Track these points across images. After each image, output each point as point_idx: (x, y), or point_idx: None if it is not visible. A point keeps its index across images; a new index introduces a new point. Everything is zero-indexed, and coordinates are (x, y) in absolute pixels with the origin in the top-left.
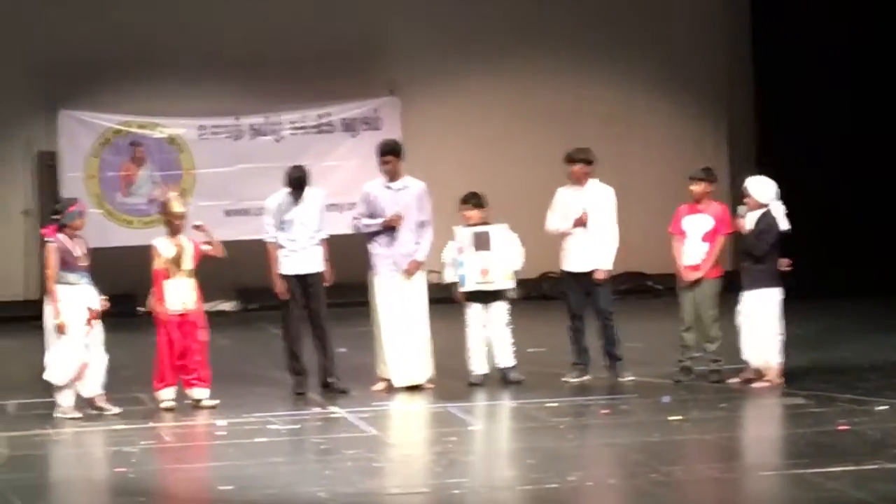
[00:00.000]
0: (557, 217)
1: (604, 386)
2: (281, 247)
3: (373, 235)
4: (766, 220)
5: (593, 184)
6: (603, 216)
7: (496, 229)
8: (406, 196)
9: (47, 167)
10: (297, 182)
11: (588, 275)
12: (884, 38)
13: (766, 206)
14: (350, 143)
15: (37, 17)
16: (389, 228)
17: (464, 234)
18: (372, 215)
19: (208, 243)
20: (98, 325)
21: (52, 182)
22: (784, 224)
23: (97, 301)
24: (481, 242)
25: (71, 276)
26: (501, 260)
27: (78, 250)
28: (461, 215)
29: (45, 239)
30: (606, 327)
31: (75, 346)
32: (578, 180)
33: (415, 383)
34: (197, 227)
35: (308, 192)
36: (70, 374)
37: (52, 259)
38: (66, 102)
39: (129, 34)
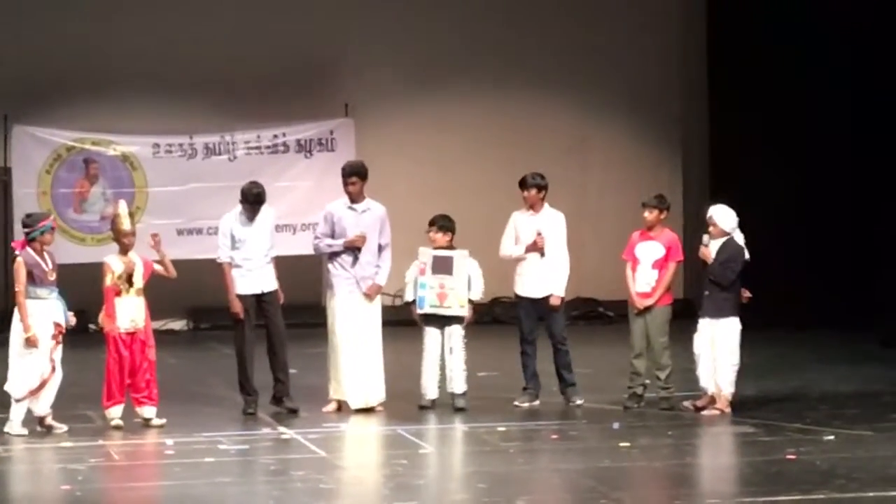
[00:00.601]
0: (511, 242)
1: (554, 411)
2: (237, 266)
3: (333, 256)
4: (731, 248)
5: (546, 209)
6: (555, 242)
7: (459, 255)
8: (369, 218)
9: (0, 183)
10: (256, 198)
11: (542, 300)
12: (841, 64)
13: (729, 234)
14: (304, 163)
15: None
16: (351, 249)
17: (426, 256)
18: (333, 235)
19: (160, 262)
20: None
21: (5, 198)
22: (746, 253)
23: (64, 316)
24: (443, 266)
25: (40, 291)
26: (460, 286)
27: (47, 265)
28: (427, 237)
29: (15, 252)
30: (560, 353)
31: (39, 361)
32: (533, 205)
33: (369, 405)
34: (153, 237)
35: (262, 210)
36: (29, 388)
37: (21, 273)
38: (20, 118)
39: (84, 51)
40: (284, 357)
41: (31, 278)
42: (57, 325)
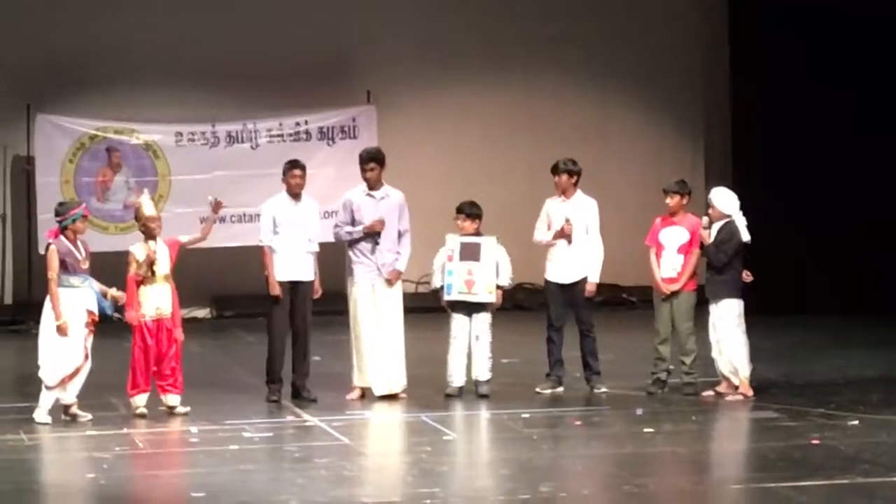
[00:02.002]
0: (544, 227)
1: (577, 397)
2: (275, 251)
3: (353, 244)
4: (728, 230)
5: (578, 195)
6: (587, 228)
7: (486, 241)
8: (387, 205)
9: (23, 172)
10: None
11: (571, 286)
12: (861, 59)
13: (729, 216)
14: (326, 151)
15: (14, 23)
16: (370, 236)
17: (454, 243)
18: (353, 223)
19: (202, 230)
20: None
21: (28, 187)
22: (745, 235)
23: (98, 304)
24: (470, 253)
25: (73, 279)
26: (487, 273)
27: (80, 253)
28: (455, 224)
29: (48, 241)
30: (587, 339)
31: (72, 349)
32: (564, 191)
33: (392, 392)
34: (217, 203)
35: (305, 199)
36: (61, 376)
37: (54, 261)
38: (43, 107)
39: (107, 40)
40: (306, 349)
41: (64, 266)
42: (90, 312)
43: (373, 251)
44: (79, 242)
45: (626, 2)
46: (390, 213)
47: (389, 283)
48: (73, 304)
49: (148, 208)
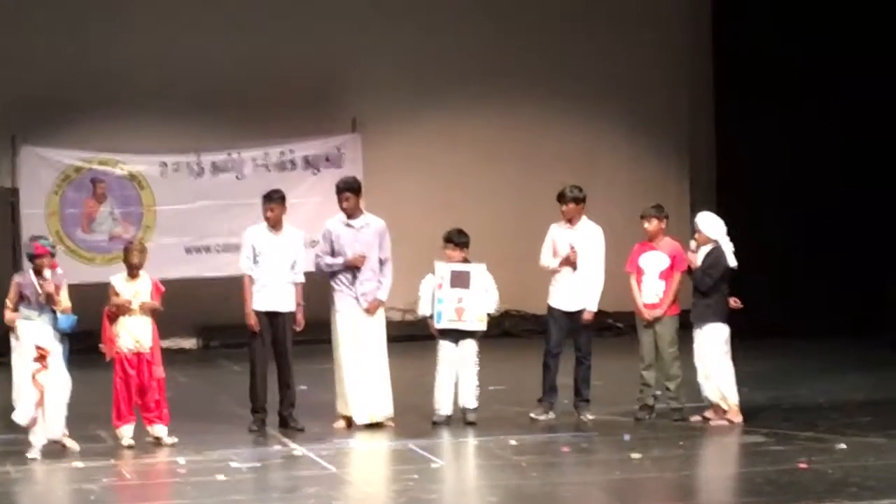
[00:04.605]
0: (549, 253)
1: (565, 423)
2: (254, 281)
3: (334, 274)
4: (714, 255)
5: (584, 222)
6: (591, 255)
7: (476, 269)
8: (367, 234)
9: (8, 204)
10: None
11: (574, 314)
12: (845, 78)
13: (715, 241)
14: (312, 180)
15: None
16: (351, 267)
17: (443, 271)
18: (333, 253)
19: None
20: (56, 363)
21: (13, 218)
22: (732, 261)
23: (52, 338)
24: (460, 281)
25: (29, 312)
26: (477, 301)
27: (39, 288)
28: (443, 252)
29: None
30: (583, 366)
31: (26, 387)
32: (570, 219)
33: (375, 420)
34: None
35: (288, 228)
36: (31, 416)
37: (12, 291)
38: (28, 139)
39: (91, 71)
40: (289, 378)
41: (23, 298)
42: (39, 348)
43: (353, 281)
44: (46, 274)
45: (612, 28)
46: (370, 241)
47: (369, 311)
48: (24, 337)
49: (136, 257)
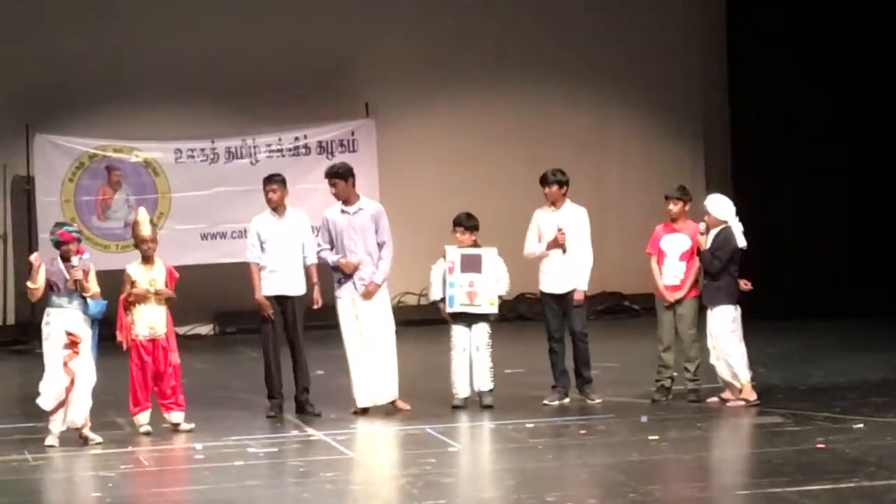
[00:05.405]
0: (534, 240)
1: (582, 406)
2: (262, 267)
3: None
4: (723, 236)
5: (568, 205)
6: (578, 237)
7: (487, 253)
8: (362, 218)
9: (23, 192)
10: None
11: (566, 296)
12: (859, 61)
13: (725, 222)
14: (326, 165)
15: (13, 43)
16: (346, 255)
17: (454, 255)
18: (332, 241)
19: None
20: (85, 351)
21: (28, 206)
22: (741, 241)
23: (83, 325)
24: (471, 265)
25: (59, 299)
26: (488, 284)
27: (67, 274)
28: (453, 236)
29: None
30: (580, 349)
31: (56, 373)
32: (554, 202)
33: (377, 403)
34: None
35: (291, 212)
36: (57, 401)
37: (37, 275)
38: (42, 127)
39: (105, 59)
40: (303, 363)
41: (51, 286)
42: (69, 334)
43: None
44: (74, 260)
45: (625, 10)
46: (364, 225)
47: (365, 295)
48: (55, 324)
49: (144, 229)
